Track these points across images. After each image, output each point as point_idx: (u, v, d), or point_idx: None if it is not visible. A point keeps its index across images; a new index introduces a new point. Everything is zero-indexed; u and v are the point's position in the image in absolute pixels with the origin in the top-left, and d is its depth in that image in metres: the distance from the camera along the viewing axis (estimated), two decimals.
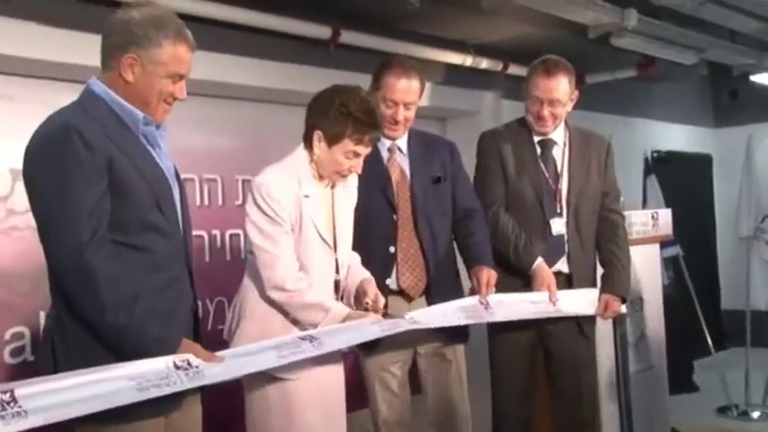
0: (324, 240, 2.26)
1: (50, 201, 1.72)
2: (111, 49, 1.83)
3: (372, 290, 2.28)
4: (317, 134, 2.23)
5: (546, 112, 2.76)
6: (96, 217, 1.71)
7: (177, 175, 1.97)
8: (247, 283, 2.29)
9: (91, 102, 1.83)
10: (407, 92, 2.56)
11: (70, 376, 1.61)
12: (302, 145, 2.30)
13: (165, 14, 1.85)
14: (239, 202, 3.75)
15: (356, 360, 2.70)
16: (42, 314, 3.07)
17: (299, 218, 2.22)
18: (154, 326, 1.74)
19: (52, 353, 1.77)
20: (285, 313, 2.22)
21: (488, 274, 2.55)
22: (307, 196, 2.23)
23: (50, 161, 1.73)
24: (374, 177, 2.45)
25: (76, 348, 1.74)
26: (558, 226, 2.79)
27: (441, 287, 2.60)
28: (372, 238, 2.53)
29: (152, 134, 1.88)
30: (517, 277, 2.73)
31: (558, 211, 2.80)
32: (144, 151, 1.85)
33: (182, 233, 1.92)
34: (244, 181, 3.77)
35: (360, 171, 2.29)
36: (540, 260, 2.71)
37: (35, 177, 1.76)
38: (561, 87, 2.74)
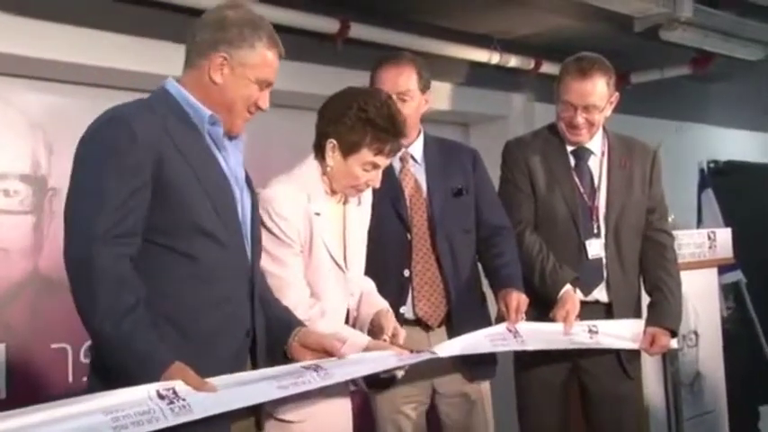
0: (336, 263, 2.30)
1: (78, 189, 1.81)
2: (199, 48, 1.93)
3: (391, 324, 2.29)
4: (331, 143, 2.26)
5: (580, 119, 2.78)
6: (121, 213, 1.76)
7: (250, 185, 2.05)
8: None
9: (159, 97, 1.95)
10: (395, 80, 2.60)
11: (35, 411, 1.59)
12: (312, 155, 2.33)
13: (259, 17, 1.98)
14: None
15: (365, 400, 2.73)
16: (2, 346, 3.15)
17: (309, 238, 2.25)
18: (142, 341, 1.75)
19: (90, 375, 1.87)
20: None
21: (518, 299, 2.57)
22: (318, 214, 2.26)
23: (89, 150, 1.83)
24: (384, 191, 2.47)
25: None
26: (596, 248, 2.81)
27: (463, 315, 2.62)
28: (384, 260, 2.55)
29: (218, 136, 1.95)
30: (544, 306, 2.72)
31: (596, 231, 2.82)
32: (206, 151, 1.93)
33: (247, 247, 1.98)
34: None
35: (378, 185, 2.32)
36: (568, 287, 2.72)
37: (74, 167, 1.85)
38: (598, 90, 2.75)
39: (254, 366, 1.99)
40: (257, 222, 2.05)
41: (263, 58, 1.94)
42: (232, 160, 1.99)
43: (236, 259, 1.95)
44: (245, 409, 1.88)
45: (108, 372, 1.77)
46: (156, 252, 1.83)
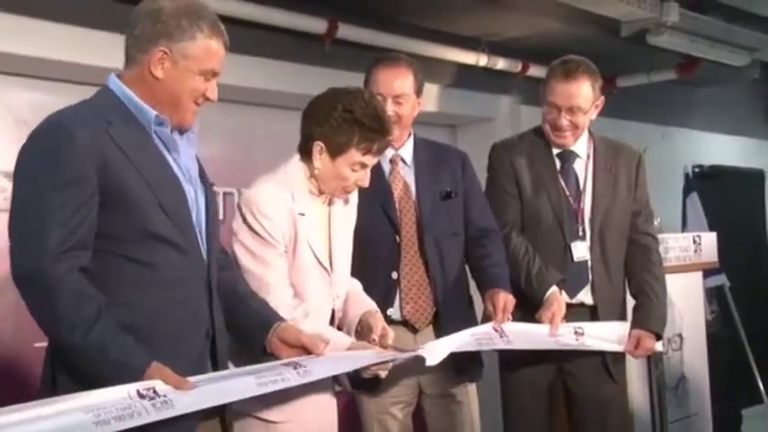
0: (321, 264, 2.31)
1: (22, 203, 1.77)
2: (137, 43, 1.87)
3: (379, 324, 2.30)
4: (318, 146, 2.26)
5: (564, 121, 2.81)
6: (68, 227, 1.73)
7: (205, 183, 2.00)
8: None
9: (101, 98, 1.90)
10: (392, 82, 2.61)
11: (11, 411, 1.59)
12: (298, 157, 2.33)
13: (199, 5, 1.90)
14: (219, 218, 3.81)
15: (351, 400, 2.75)
16: None
17: (293, 238, 2.26)
18: (114, 350, 1.74)
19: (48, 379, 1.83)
20: None
21: (505, 299, 2.59)
22: (302, 214, 2.27)
23: (30, 162, 1.79)
24: (373, 193, 2.49)
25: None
26: (581, 251, 2.84)
27: (450, 316, 2.64)
28: (372, 262, 2.57)
29: (167, 136, 1.90)
30: (530, 307, 2.74)
31: (581, 233, 2.85)
32: (154, 153, 1.87)
33: (202, 247, 1.94)
34: (225, 194, 3.83)
35: (367, 184, 2.33)
36: (554, 288, 2.74)
37: (16, 179, 1.81)
38: (582, 93, 2.78)
39: (215, 367, 1.96)
40: (213, 217, 2.00)
41: (206, 48, 1.87)
42: (183, 157, 1.94)
43: (193, 261, 1.91)
44: (211, 409, 1.86)
45: (82, 375, 1.75)
46: (112, 261, 1.80)
